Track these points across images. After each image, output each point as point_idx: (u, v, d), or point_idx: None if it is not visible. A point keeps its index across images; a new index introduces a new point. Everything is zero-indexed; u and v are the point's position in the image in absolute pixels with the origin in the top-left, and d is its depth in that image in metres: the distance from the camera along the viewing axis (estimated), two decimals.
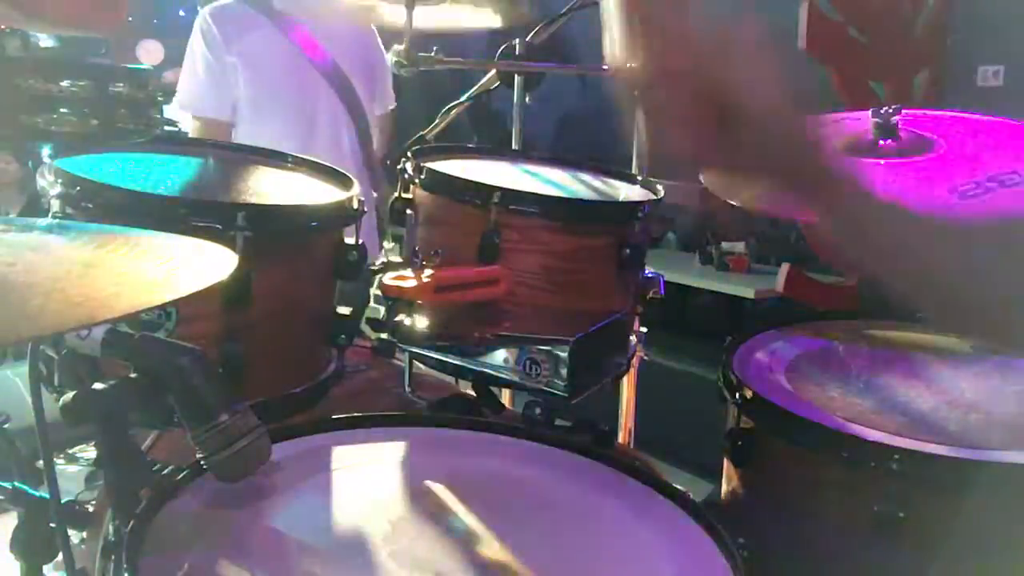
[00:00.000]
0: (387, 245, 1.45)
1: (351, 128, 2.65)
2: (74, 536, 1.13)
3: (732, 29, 0.67)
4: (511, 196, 1.27)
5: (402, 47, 1.81)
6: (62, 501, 0.91)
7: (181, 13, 5.06)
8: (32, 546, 0.91)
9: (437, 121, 2.03)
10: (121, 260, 0.79)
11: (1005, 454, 1.12)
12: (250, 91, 2.53)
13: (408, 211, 1.36)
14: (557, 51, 2.20)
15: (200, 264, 0.81)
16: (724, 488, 1.35)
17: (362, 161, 2.66)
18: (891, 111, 1.37)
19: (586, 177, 1.57)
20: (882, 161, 1.35)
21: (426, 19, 1.79)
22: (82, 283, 0.71)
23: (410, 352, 1.39)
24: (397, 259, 1.37)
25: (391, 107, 2.87)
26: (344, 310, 1.25)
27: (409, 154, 1.39)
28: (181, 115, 2.63)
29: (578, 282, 1.33)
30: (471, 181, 1.33)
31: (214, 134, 2.50)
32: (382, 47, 2.68)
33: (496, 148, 1.67)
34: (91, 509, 1.04)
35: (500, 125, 2.38)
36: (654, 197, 1.46)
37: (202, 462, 0.86)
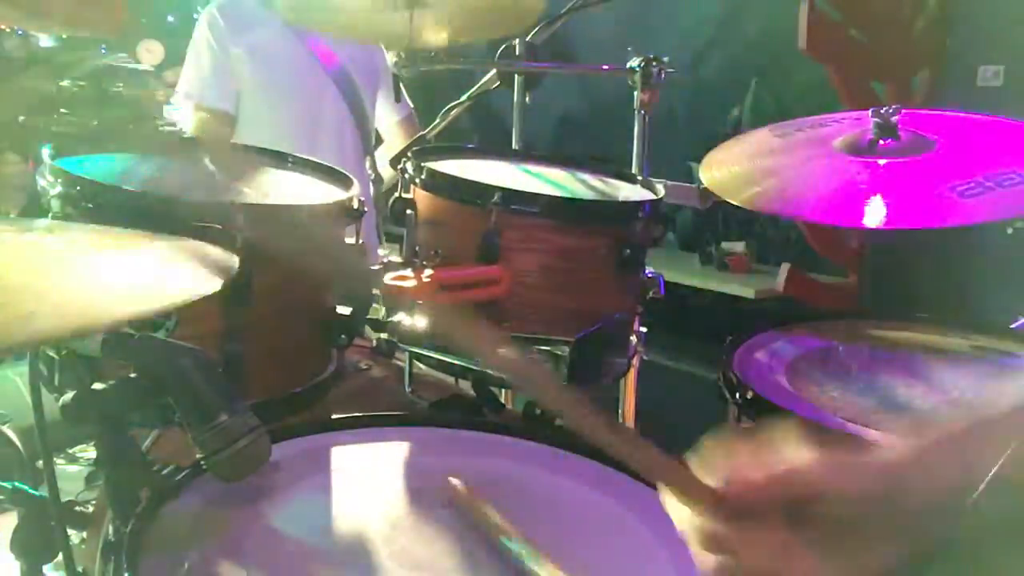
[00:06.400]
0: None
1: (355, 132, 2.64)
2: (74, 536, 1.13)
3: None
4: (511, 196, 1.27)
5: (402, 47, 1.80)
6: (62, 501, 0.91)
7: (170, 19, 5.07)
8: (32, 546, 0.91)
9: (437, 121, 2.03)
10: (119, 263, 0.79)
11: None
12: (254, 84, 2.52)
13: (408, 211, 1.36)
14: (557, 51, 2.19)
15: (199, 268, 0.81)
16: None
17: (364, 165, 2.66)
18: (891, 111, 1.37)
19: (586, 177, 1.57)
20: (882, 161, 1.35)
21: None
22: (79, 287, 0.70)
23: (410, 352, 1.38)
24: (397, 259, 1.37)
25: (408, 112, 2.83)
26: (344, 310, 1.25)
27: (409, 154, 1.39)
28: (183, 104, 2.62)
29: (578, 282, 1.33)
30: (471, 181, 1.33)
31: (216, 125, 2.50)
32: (387, 55, 2.67)
33: (496, 148, 1.67)
34: (91, 509, 1.04)
35: (500, 125, 2.39)
36: (654, 197, 1.45)
37: (202, 462, 0.86)
